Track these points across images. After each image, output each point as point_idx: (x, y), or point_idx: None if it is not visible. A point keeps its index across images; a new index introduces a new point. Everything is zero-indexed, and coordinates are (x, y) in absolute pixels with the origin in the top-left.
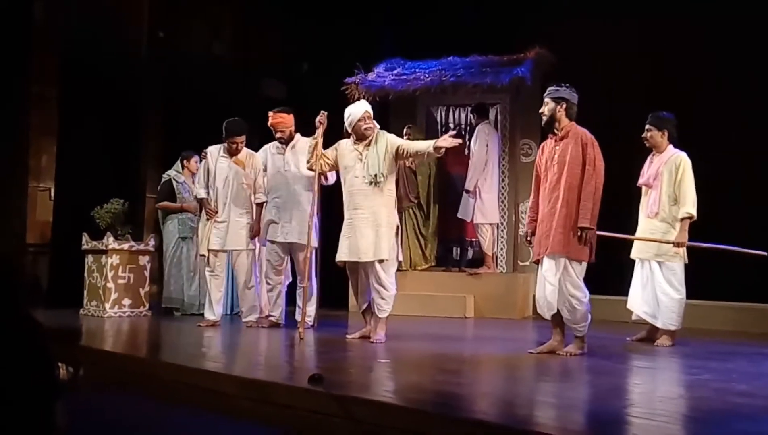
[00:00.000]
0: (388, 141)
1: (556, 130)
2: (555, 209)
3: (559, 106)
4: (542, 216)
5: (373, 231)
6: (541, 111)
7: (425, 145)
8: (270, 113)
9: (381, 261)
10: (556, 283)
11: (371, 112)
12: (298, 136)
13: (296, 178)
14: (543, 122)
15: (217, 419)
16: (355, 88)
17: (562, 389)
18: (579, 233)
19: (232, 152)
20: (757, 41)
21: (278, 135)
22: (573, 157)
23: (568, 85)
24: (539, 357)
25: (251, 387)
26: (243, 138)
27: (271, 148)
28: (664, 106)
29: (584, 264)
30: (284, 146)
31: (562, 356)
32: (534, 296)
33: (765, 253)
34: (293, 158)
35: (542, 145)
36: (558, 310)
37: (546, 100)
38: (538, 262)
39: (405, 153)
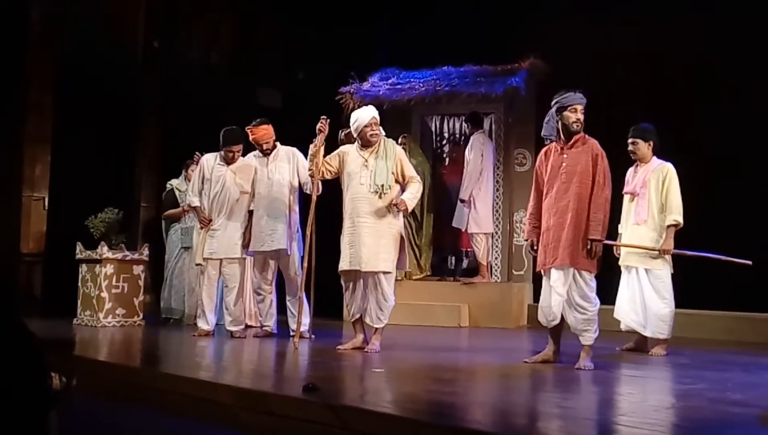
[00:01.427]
0: (397, 156)
1: (566, 138)
2: (564, 220)
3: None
4: (548, 225)
5: (376, 241)
6: (578, 119)
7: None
8: (250, 128)
9: (385, 272)
10: (565, 293)
11: (378, 118)
12: (278, 145)
13: (279, 186)
14: (578, 130)
15: (213, 429)
16: (349, 97)
17: (557, 399)
18: (589, 245)
19: (229, 161)
20: (757, 43)
21: (264, 147)
22: (584, 167)
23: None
24: (534, 366)
25: (246, 397)
26: (240, 147)
27: (253, 158)
28: (661, 111)
29: (593, 274)
30: (266, 157)
31: (559, 368)
32: (528, 305)
33: (749, 262)
34: (275, 167)
35: (545, 150)
36: (560, 321)
37: (582, 108)
38: (542, 272)
39: (405, 184)
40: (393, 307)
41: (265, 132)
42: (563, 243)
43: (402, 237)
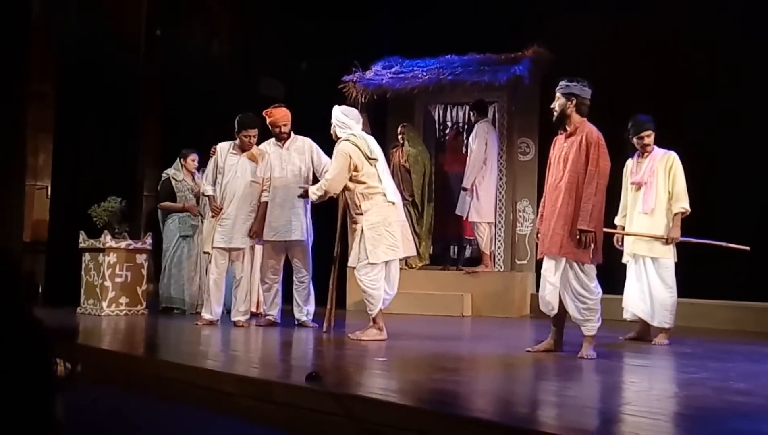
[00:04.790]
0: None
1: (567, 127)
2: (555, 208)
3: (569, 102)
4: (544, 214)
5: (351, 237)
6: (551, 106)
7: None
8: (268, 111)
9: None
10: (557, 283)
11: (336, 115)
12: (293, 134)
13: (295, 176)
14: (553, 118)
15: (216, 417)
16: (352, 86)
17: (559, 387)
18: (578, 236)
19: (245, 147)
20: (760, 39)
21: (283, 129)
22: (576, 155)
23: (579, 79)
24: (536, 355)
25: (250, 385)
26: (256, 131)
27: (268, 147)
28: (664, 102)
29: (590, 265)
30: (282, 144)
31: (562, 357)
32: (531, 295)
33: (747, 247)
34: (290, 157)
35: (555, 139)
36: (559, 310)
37: (557, 95)
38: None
39: None
40: (376, 298)
41: (283, 114)
42: (551, 232)
43: (362, 230)
